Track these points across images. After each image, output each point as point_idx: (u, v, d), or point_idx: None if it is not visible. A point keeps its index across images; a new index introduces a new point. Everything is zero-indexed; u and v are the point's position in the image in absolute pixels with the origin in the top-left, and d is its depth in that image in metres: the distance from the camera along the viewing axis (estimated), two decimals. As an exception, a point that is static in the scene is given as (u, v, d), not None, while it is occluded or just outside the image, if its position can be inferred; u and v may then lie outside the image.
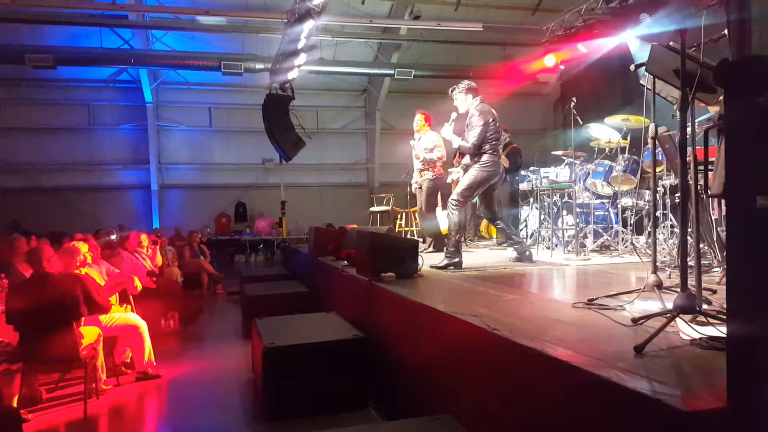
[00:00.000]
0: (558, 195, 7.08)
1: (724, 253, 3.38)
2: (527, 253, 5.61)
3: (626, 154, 6.41)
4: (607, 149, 6.85)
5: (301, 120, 11.40)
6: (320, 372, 3.77)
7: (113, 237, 8.23)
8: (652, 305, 2.82)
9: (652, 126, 3.13)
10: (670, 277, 3.82)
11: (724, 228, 3.71)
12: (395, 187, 11.12)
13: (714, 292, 3.09)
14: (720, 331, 2.15)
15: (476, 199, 6.78)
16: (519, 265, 5.39)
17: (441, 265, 5.13)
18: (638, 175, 6.12)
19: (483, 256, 6.70)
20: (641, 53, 7.58)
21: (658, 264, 3.30)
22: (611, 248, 6.45)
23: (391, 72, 13.06)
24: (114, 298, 5.07)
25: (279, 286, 7.28)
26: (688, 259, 2.63)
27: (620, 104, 7.87)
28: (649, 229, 5.88)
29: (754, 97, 1.54)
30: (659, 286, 2.93)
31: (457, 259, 5.18)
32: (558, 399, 2.00)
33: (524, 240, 6.77)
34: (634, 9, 7.13)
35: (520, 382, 2.25)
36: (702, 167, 3.06)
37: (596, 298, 3.07)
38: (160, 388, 4.72)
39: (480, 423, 2.49)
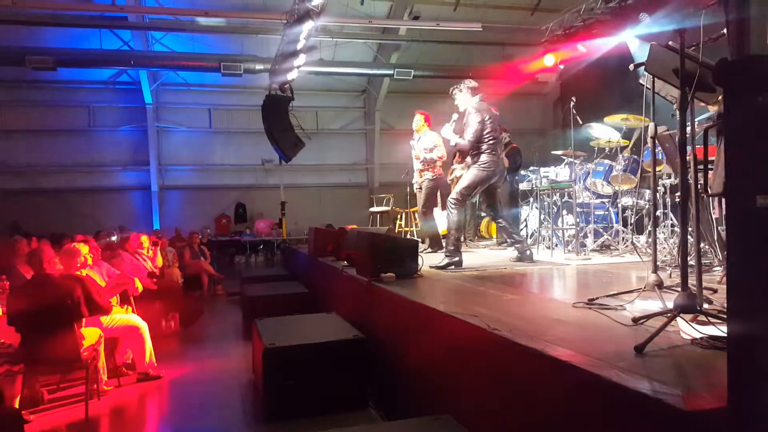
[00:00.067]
0: (558, 194, 7.08)
1: (725, 252, 3.38)
2: (528, 252, 5.61)
3: (627, 153, 6.41)
4: (606, 149, 6.86)
5: (301, 121, 11.39)
6: (320, 372, 3.77)
7: (114, 238, 8.23)
8: (653, 305, 2.82)
9: (651, 125, 3.13)
10: (670, 277, 3.83)
11: (725, 227, 3.71)
12: (395, 188, 11.12)
13: (715, 291, 3.09)
14: (721, 330, 2.15)
15: (476, 200, 6.79)
16: (519, 265, 5.39)
17: (441, 264, 5.13)
18: (638, 175, 6.12)
19: (483, 256, 6.70)
20: (641, 53, 7.59)
21: (658, 263, 3.29)
22: (611, 248, 6.45)
23: (391, 72, 13.06)
24: (115, 300, 5.08)
25: (279, 286, 7.29)
26: (689, 258, 2.63)
27: (620, 104, 7.86)
28: (649, 228, 5.87)
29: (753, 96, 1.54)
30: (660, 285, 2.93)
31: (457, 258, 5.18)
32: (558, 399, 2.00)
33: (525, 239, 6.77)
34: (633, 9, 7.14)
35: (520, 382, 2.25)
36: (702, 166, 3.05)
37: (597, 298, 3.07)
38: (161, 389, 4.72)
39: (480, 423, 2.49)
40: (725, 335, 1.80)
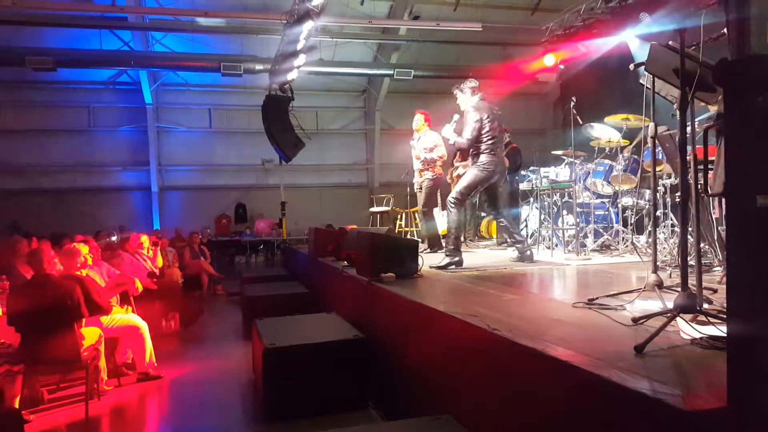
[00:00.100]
0: (558, 195, 7.08)
1: (725, 253, 3.38)
2: (528, 252, 5.62)
3: (627, 153, 6.41)
4: (607, 149, 6.85)
5: (301, 121, 11.39)
6: (320, 372, 3.77)
7: (114, 238, 8.23)
8: (653, 305, 2.82)
9: (651, 125, 3.13)
10: (670, 277, 3.83)
11: (725, 227, 3.71)
12: (395, 188, 11.12)
13: (715, 291, 3.09)
14: (720, 330, 2.15)
15: (476, 200, 6.80)
16: (519, 265, 5.39)
17: (441, 264, 5.13)
18: (638, 175, 6.12)
19: (483, 256, 6.70)
20: (641, 52, 7.58)
21: (658, 263, 3.30)
22: (611, 248, 6.44)
23: (391, 72, 13.05)
24: (114, 300, 5.08)
25: (279, 286, 7.29)
26: (689, 258, 2.63)
27: (620, 104, 7.86)
28: (649, 228, 5.87)
29: (753, 96, 1.54)
30: (660, 285, 2.93)
31: (457, 258, 5.18)
32: (558, 399, 2.00)
33: (526, 239, 6.77)
34: (633, 8, 7.14)
35: (520, 382, 2.25)
36: (702, 166, 3.05)
37: (597, 298, 3.07)
38: (161, 389, 4.72)
39: (480, 423, 2.49)
40: (725, 335, 1.79)
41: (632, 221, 6.23)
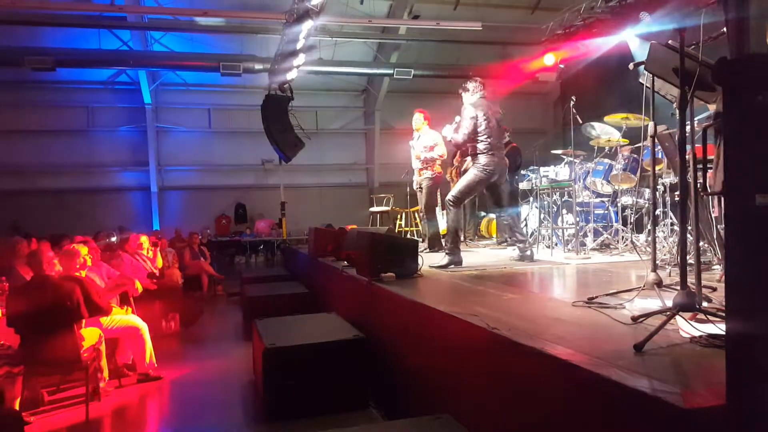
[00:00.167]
0: (558, 194, 7.09)
1: (724, 251, 3.38)
2: (528, 252, 5.62)
3: (626, 152, 6.41)
4: (606, 148, 6.85)
5: (300, 120, 11.38)
6: (320, 372, 3.77)
7: (113, 239, 8.22)
8: (652, 303, 2.82)
9: (651, 124, 3.13)
10: (670, 275, 3.83)
11: (724, 226, 3.71)
12: (395, 188, 11.11)
13: (714, 289, 3.09)
14: (720, 328, 2.15)
15: (477, 199, 6.80)
16: (519, 264, 5.39)
17: (441, 264, 5.14)
18: (638, 174, 6.12)
19: (483, 255, 6.71)
20: (641, 52, 7.58)
21: (657, 262, 3.29)
22: (611, 247, 6.45)
23: (391, 72, 13.04)
24: (114, 300, 5.08)
25: (279, 287, 7.30)
26: (688, 256, 2.63)
27: (620, 103, 7.86)
28: (648, 227, 5.87)
29: (752, 95, 1.54)
30: (659, 284, 2.93)
31: (457, 258, 5.19)
32: (558, 398, 2.01)
33: (528, 239, 6.78)
34: (633, 8, 7.14)
35: (520, 382, 2.26)
36: (701, 165, 3.05)
37: (596, 297, 3.07)
38: (161, 390, 4.72)
39: (480, 423, 2.49)
40: (724, 333, 1.80)
41: (632, 220, 6.24)
